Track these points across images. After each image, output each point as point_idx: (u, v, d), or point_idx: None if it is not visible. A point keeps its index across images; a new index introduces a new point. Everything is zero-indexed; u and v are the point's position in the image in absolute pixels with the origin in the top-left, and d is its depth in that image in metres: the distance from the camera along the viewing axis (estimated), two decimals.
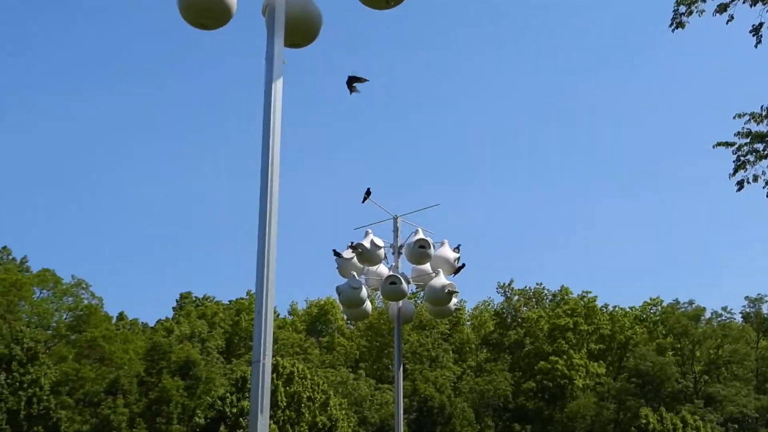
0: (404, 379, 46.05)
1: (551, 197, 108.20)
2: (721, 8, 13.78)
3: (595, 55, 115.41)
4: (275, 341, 54.79)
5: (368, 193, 13.45)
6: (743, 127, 14.65)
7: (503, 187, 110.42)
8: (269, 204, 5.86)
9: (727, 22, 13.68)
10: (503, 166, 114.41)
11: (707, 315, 72.32)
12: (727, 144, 14.69)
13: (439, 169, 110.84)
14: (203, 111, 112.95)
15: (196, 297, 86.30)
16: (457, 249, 13.69)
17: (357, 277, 13.20)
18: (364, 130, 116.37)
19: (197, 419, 51.18)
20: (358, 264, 13.35)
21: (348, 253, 13.32)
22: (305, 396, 47.83)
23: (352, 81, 8.66)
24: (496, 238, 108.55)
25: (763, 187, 14.37)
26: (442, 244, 13.76)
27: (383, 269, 13.58)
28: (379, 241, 13.32)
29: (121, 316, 76.43)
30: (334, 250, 13.43)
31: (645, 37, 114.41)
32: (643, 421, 54.55)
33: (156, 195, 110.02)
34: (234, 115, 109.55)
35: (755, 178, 14.53)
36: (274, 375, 45.94)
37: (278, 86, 6.09)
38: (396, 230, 13.79)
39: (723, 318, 71.89)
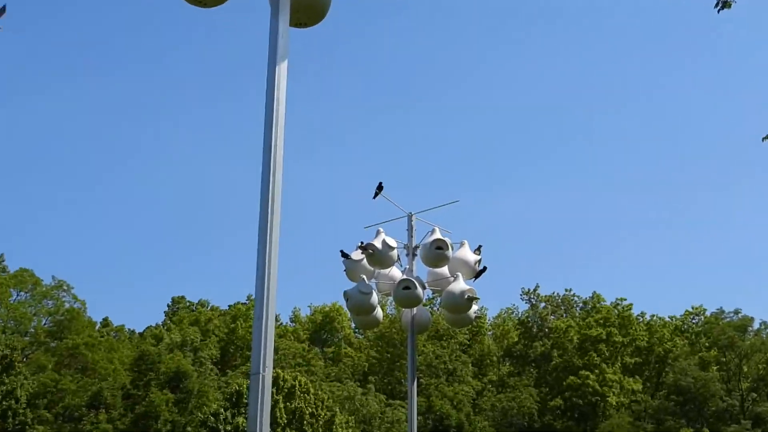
0: (418, 394, 45.94)
1: (581, 195, 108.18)
2: None
3: (626, 47, 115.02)
4: (275, 351, 54.43)
5: (380, 187, 13.49)
6: None
7: (529, 183, 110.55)
8: (271, 199, 5.89)
9: None
10: (529, 161, 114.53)
11: (755, 326, 72.05)
12: None
13: (459, 163, 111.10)
14: (200, 100, 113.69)
15: (189, 302, 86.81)
16: (477, 250, 13.69)
17: (367, 281, 13.23)
18: (376, 119, 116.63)
19: None
20: (369, 266, 13.40)
21: (357, 255, 13.36)
22: (308, 412, 47.98)
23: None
24: (521, 239, 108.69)
25: None
26: (462, 245, 13.75)
27: (396, 272, 13.62)
28: (391, 242, 13.34)
29: (105, 322, 76.96)
30: (341, 251, 13.46)
31: (700, 20, 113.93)
32: None
33: (148, 189, 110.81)
34: (234, 104, 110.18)
35: None
36: (274, 389, 46.09)
37: (282, 70, 6.11)
38: (410, 229, 13.78)
39: None
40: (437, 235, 13.45)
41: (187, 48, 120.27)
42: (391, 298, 13.66)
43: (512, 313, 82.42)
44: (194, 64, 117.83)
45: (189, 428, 52.28)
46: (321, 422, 48.50)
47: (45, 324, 66.60)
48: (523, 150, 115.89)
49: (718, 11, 14.02)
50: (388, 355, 70.85)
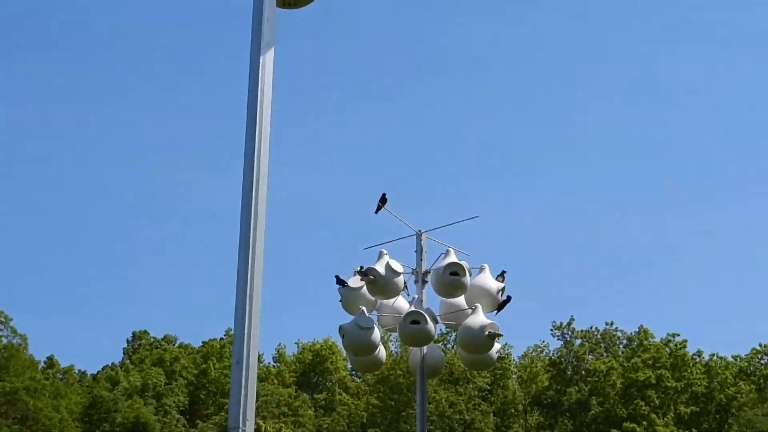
0: None
1: (625, 211, 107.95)
2: None
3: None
4: (256, 398, 54.18)
5: (383, 200, 13.60)
6: None
7: (561, 198, 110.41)
8: (254, 215, 5.91)
9: None
10: (561, 171, 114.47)
11: None
12: None
13: (477, 173, 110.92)
14: (168, 99, 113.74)
15: (153, 337, 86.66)
16: (501, 277, 13.73)
17: (367, 314, 13.22)
18: (379, 118, 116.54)
19: None
20: (369, 296, 13.41)
21: (355, 281, 13.38)
22: None
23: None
24: (552, 263, 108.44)
25: None
26: (482, 270, 13.78)
27: (402, 303, 13.64)
28: (396, 266, 13.32)
29: (50, 362, 76.79)
30: (336, 277, 13.49)
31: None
32: None
33: (103, 201, 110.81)
34: (209, 101, 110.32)
35: None
36: None
37: (268, 61, 6.12)
38: (420, 251, 13.78)
39: None
40: (452, 258, 13.41)
41: (149, 34, 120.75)
42: (396, 335, 13.79)
43: (542, 352, 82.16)
44: (160, 55, 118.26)
45: None
46: None
47: None
48: (554, 156, 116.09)
49: None
50: (392, 403, 70.61)
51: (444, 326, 13.92)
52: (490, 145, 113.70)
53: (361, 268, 13.29)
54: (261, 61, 6.06)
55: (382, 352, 13.34)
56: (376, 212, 13.61)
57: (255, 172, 5.99)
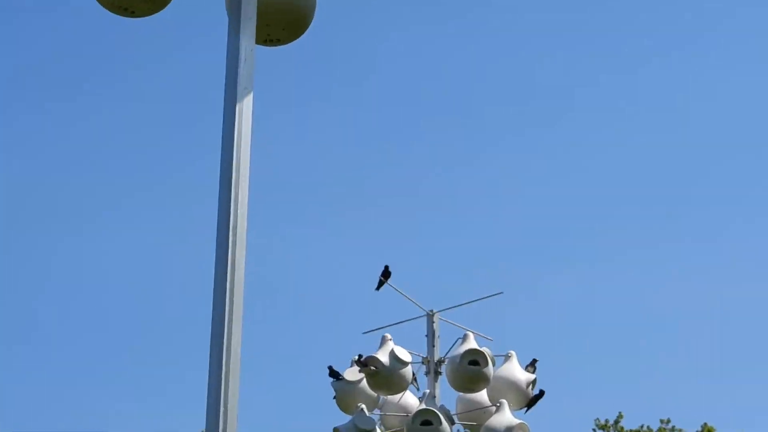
0: None
1: (682, 286, 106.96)
2: None
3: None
4: None
5: (386, 273, 13.65)
6: None
7: (605, 264, 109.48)
8: (230, 291, 5.64)
9: None
10: (603, 234, 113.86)
11: None
12: None
13: (503, 239, 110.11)
14: (124, 155, 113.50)
15: None
16: (531, 366, 13.70)
17: (368, 413, 13.11)
18: (379, 173, 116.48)
19: None
20: (370, 391, 13.36)
21: (353, 373, 13.36)
22: None
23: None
24: (595, 348, 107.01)
25: None
26: (508, 358, 13.72)
27: (411, 399, 13.55)
28: (403, 354, 13.28)
29: None
30: (329, 368, 13.46)
31: None
32: None
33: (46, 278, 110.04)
34: (175, 156, 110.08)
35: None
36: None
37: (246, 108, 6.02)
38: (432, 335, 13.78)
39: None
40: (471, 343, 13.34)
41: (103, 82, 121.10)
42: None
43: None
44: (117, 106, 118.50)
45: None
46: None
47: None
48: (597, 214, 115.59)
49: None
50: None
51: (462, 427, 13.73)
52: (518, 203, 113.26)
53: (360, 357, 13.22)
54: (238, 110, 6.00)
55: None
56: (378, 288, 13.65)
57: (231, 241, 5.74)
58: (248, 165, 6.03)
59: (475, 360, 13.19)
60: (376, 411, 13.47)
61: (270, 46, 6.55)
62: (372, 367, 13.14)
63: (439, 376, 13.67)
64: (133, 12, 6.20)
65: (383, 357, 13.17)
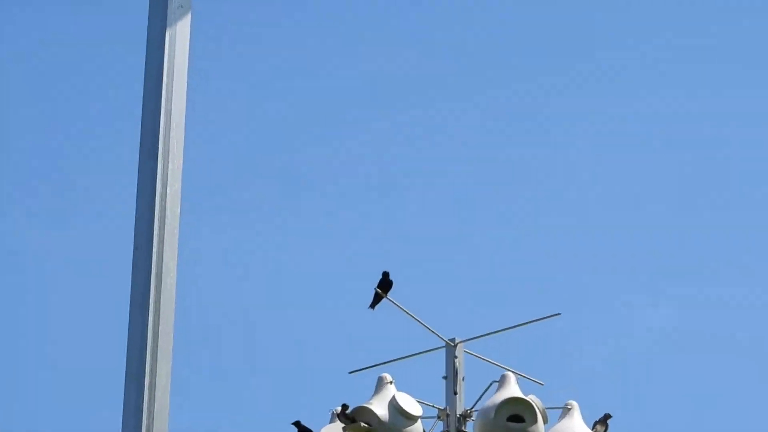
0: None
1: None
2: None
3: None
4: None
5: (385, 284, 11.58)
6: None
7: (704, 283, 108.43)
8: (155, 306, 5.16)
9: None
10: (700, 249, 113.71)
11: None
12: None
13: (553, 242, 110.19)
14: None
15: None
16: (602, 424, 11.71)
17: None
18: (380, 155, 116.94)
19: None
20: None
21: (333, 430, 11.28)
22: None
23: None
24: (688, 396, 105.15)
25: None
26: (568, 409, 11.57)
27: None
28: (410, 404, 11.18)
29: None
30: (297, 424, 11.23)
31: None
32: None
33: None
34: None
35: None
36: None
37: (180, 72, 5.68)
38: (454, 375, 11.51)
39: None
40: (513, 389, 11.32)
41: None
42: None
43: None
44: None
45: None
46: None
47: None
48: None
49: None
50: None
51: None
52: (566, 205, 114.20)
53: (345, 407, 11.27)
54: (166, 78, 5.66)
55: None
56: (373, 306, 11.57)
57: (156, 221, 5.36)
58: (181, 160, 5.71)
59: (517, 414, 11.36)
60: None
61: None
62: (363, 424, 11.28)
63: None
64: None
65: (379, 408, 11.28)
